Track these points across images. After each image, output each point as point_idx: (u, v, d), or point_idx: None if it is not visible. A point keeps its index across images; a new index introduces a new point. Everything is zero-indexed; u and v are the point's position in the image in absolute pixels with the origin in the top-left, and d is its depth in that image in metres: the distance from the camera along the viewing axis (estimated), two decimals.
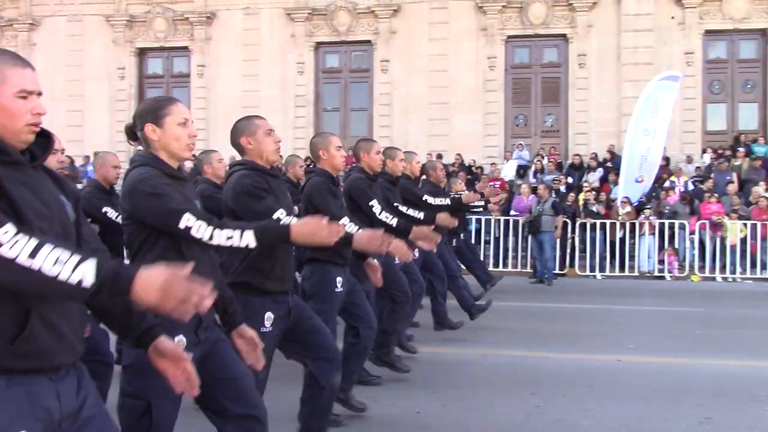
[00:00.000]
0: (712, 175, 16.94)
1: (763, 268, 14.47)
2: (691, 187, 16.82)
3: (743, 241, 14.56)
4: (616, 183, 16.76)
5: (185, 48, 21.51)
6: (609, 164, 18.07)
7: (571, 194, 16.14)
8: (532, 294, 12.50)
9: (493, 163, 18.84)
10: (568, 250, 14.98)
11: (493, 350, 7.48)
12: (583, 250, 15.14)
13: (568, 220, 14.94)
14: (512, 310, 10.00)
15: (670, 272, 14.70)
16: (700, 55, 19.38)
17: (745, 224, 14.66)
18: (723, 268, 14.60)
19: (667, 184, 16.66)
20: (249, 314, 3.36)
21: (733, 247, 14.53)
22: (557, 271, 14.52)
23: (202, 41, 21.29)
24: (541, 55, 20.40)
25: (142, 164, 2.95)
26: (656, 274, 14.72)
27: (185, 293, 1.85)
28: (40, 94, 2.12)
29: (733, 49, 19.70)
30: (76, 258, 1.83)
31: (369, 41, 20.75)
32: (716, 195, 15.42)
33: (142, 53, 21.88)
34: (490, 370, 6.17)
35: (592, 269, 14.92)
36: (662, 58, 18.96)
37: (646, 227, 14.93)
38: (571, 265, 14.97)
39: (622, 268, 14.83)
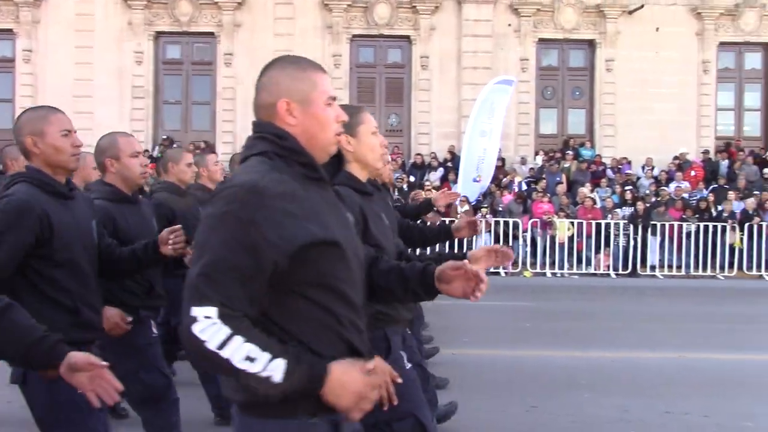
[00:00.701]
0: (543, 176, 17.84)
1: (588, 264, 15.39)
2: (524, 187, 17.62)
3: (571, 239, 15.43)
4: (455, 182, 17.23)
5: (9, 31, 19.93)
6: (449, 164, 18.59)
7: None
8: None
9: None
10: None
11: None
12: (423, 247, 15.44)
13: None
14: None
15: (504, 268, 15.31)
16: (533, 62, 20.34)
17: (573, 223, 15.53)
18: (552, 264, 15.39)
19: (503, 183, 17.36)
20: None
21: (561, 245, 15.34)
22: None
23: (29, 24, 19.81)
24: (386, 55, 20.67)
25: (339, 183, 2.51)
26: (491, 270, 15.27)
27: (373, 395, 1.77)
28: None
29: (564, 58, 20.85)
30: (267, 356, 1.69)
31: (212, 33, 20.16)
32: (548, 195, 16.23)
33: None
34: None
35: None
36: (499, 63, 19.72)
37: (483, 225, 15.46)
38: None
39: None
